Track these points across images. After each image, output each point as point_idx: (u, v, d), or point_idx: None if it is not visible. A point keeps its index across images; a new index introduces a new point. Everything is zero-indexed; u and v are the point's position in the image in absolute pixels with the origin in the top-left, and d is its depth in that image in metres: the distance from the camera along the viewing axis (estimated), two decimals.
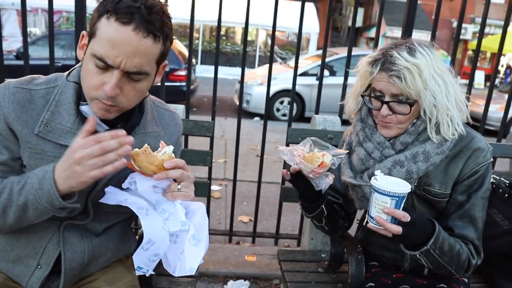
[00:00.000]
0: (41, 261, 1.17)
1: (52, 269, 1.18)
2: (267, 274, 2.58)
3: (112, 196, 1.07)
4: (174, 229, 1.06)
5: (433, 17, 2.48)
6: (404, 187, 1.14)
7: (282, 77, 8.23)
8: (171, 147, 1.04)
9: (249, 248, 2.87)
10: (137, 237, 1.43)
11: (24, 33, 2.41)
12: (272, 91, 8.45)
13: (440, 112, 1.26)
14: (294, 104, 8.87)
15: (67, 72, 1.16)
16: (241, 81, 2.51)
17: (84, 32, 1.10)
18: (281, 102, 8.74)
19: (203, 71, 12.83)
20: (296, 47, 2.54)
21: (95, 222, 1.21)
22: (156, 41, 1.02)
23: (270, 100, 8.55)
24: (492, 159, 1.34)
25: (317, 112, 2.40)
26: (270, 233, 2.90)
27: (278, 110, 8.74)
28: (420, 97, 1.24)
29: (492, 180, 1.97)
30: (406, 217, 1.14)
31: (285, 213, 3.36)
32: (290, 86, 8.12)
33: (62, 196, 1.00)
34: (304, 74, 8.38)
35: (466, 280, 1.46)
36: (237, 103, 9.11)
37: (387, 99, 1.28)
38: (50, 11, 2.30)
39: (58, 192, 0.98)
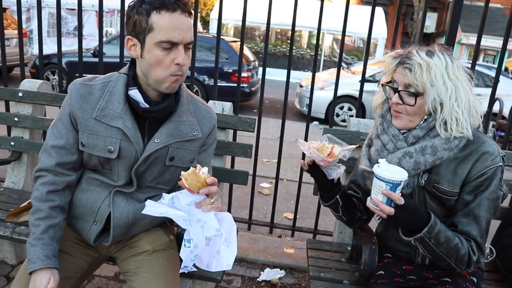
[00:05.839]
0: (96, 218, 1.48)
1: (105, 227, 1.49)
2: (303, 266, 2.74)
3: (153, 209, 1.31)
4: (209, 235, 1.31)
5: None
6: (398, 175, 1.28)
7: (343, 82, 8.23)
8: (206, 168, 1.30)
9: (289, 241, 3.06)
10: (171, 236, 1.66)
11: (100, 34, 2.79)
12: (332, 96, 8.47)
13: (445, 111, 1.39)
14: (354, 110, 8.78)
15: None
16: (286, 84, 2.70)
17: (128, 36, 1.37)
18: (341, 108, 8.76)
19: (266, 74, 13.11)
20: (335, 54, 2.67)
21: (138, 193, 1.50)
22: (191, 18, 1.38)
23: (330, 105, 8.61)
24: (501, 163, 1.42)
25: (363, 117, 2.53)
26: (308, 228, 3.06)
27: (337, 115, 8.77)
28: (425, 91, 1.39)
29: None
30: (401, 200, 1.29)
31: (329, 213, 3.47)
32: (350, 92, 8.29)
33: None
34: (368, 80, 8.32)
35: (475, 279, 1.52)
36: (298, 106, 9.30)
37: (399, 88, 1.45)
38: (122, 13, 2.64)
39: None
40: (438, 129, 1.42)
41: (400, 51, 1.48)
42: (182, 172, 1.26)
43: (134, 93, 1.40)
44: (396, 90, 1.46)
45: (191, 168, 1.27)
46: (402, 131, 1.50)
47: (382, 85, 1.54)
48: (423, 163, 1.44)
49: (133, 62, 1.44)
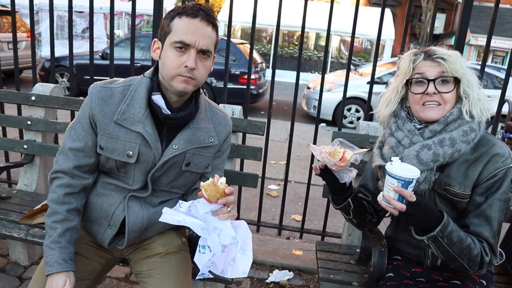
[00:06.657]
0: (111, 222, 1.51)
1: (119, 230, 1.52)
2: (311, 268, 2.76)
3: (170, 217, 1.32)
4: (226, 242, 1.32)
5: None
6: (410, 173, 1.29)
7: (351, 84, 8.18)
8: (224, 178, 1.31)
9: (297, 243, 3.07)
10: (183, 238, 1.68)
11: (111, 37, 2.82)
12: (339, 98, 8.49)
13: (472, 96, 1.45)
14: (361, 112, 8.75)
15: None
16: (296, 87, 2.72)
17: (155, 39, 1.43)
18: (349, 109, 8.75)
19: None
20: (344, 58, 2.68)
21: (152, 197, 1.53)
22: (213, 30, 1.40)
23: (338, 107, 8.62)
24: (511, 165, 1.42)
25: (370, 120, 2.54)
26: (316, 230, 3.07)
27: (345, 117, 8.75)
28: (461, 77, 1.44)
29: None
30: (412, 197, 1.29)
31: (337, 215, 3.49)
32: (358, 94, 8.30)
33: None
34: (376, 81, 8.26)
35: (484, 282, 1.53)
36: (305, 108, 9.30)
37: (432, 78, 1.45)
38: (133, 15, 2.66)
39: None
40: (465, 115, 1.45)
41: (416, 51, 1.51)
42: (202, 183, 1.27)
43: (158, 99, 1.42)
44: (429, 80, 1.45)
45: (210, 179, 1.28)
46: (418, 127, 1.51)
47: (407, 80, 1.51)
48: (442, 155, 1.43)
49: (157, 67, 1.46)
